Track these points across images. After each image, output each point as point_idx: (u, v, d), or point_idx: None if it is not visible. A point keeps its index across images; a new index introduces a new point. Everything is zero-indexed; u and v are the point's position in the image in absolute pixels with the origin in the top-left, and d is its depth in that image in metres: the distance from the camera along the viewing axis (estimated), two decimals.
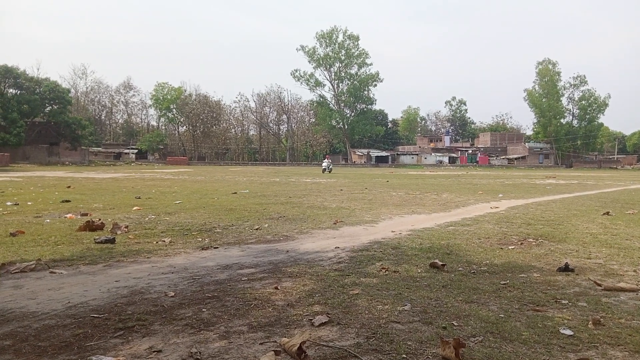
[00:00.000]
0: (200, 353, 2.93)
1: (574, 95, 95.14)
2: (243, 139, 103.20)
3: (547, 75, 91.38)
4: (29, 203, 11.94)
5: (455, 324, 3.47)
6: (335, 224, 8.88)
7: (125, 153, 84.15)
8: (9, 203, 11.61)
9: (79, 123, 64.03)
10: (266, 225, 8.61)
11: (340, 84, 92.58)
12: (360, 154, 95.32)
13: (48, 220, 8.81)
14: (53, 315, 3.66)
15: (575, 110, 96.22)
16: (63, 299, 4.05)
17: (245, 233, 7.75)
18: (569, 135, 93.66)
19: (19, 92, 60.84)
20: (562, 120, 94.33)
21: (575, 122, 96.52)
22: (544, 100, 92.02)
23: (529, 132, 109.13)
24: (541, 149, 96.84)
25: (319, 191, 17.72)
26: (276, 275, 4.93)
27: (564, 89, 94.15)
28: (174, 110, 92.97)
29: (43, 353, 2.94)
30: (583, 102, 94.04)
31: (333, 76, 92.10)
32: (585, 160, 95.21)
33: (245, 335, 3.25)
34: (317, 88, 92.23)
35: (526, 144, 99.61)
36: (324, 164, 43.47)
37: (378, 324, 3.46)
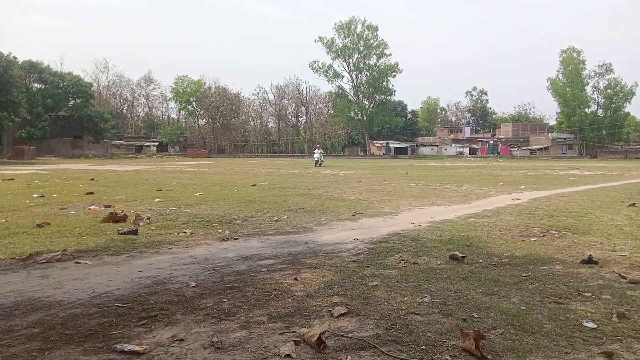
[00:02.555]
0: (221, 342, 2.98)
1: (599, 84, 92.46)
2: (262, 132, 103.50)
3: (571, 63, 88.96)
4: (54, 195, 12.22)
5: (476, 316, 3.45)
6: (354, 215, 8.87)
7: (147, 146, 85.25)
8: (35, 195, 11.90)
9: (102, 116, 65.04)
10: (285, 216, 8.66)
11: (359, 75, 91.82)
12: (379, 145, 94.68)
13: (73, 212, 9.02)
14: (79, 304, 3.75)
15: (600, 99, 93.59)
16: (88, 289, 4.16)
17: (264, 224, 7.81)
18: (593, 125, 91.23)
19: (43, 86, 62.05)
20: (586, 110, 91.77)
21: (600, 111, 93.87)
22: (567, 89, 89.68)
23: (552, 122, 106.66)
24: (565, 139, 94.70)
25: (337, 183, 17.71)
26: (295, 267, 4.96)
27: (589, 78, 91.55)
28: (194, 103, 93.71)
29: (70, 341, 3.02)
30: (609, 90, 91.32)
31: (352, 67, 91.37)
32: (611, 150, 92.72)
33: (265, 325, 3.29)
34: (336, 79, 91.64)
35: (549, 134, 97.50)
36: (316, 156, 38.14)
37: (397, 315, 3.46)
